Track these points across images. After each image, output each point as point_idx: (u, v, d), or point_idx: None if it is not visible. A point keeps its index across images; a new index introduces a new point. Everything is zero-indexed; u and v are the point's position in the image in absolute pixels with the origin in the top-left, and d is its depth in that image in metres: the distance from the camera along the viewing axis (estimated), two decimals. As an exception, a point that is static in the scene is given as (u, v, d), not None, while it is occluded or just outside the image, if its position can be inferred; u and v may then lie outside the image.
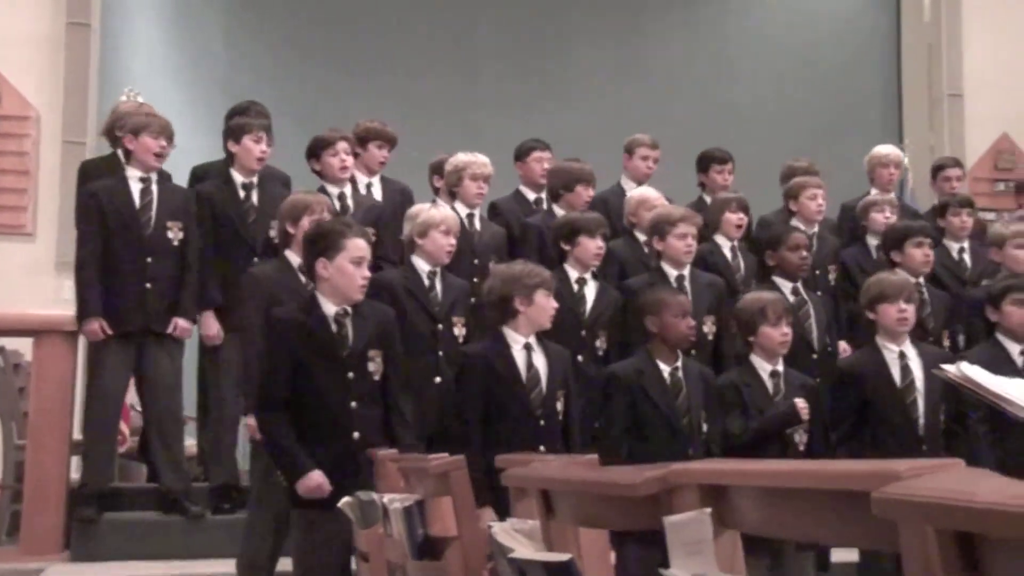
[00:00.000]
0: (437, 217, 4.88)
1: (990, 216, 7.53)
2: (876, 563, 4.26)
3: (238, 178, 5.34)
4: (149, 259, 5.11)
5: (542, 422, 4.11)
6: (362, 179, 5.78)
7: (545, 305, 4.17)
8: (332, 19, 9.17)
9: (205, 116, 7.63)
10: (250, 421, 4.26)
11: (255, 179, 5.37)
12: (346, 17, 9.18)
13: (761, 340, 4.40)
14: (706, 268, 5.38)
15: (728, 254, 5.74)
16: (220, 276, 5.22)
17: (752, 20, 9.88)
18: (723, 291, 5.29)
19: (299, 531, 3.76)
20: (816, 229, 5.90)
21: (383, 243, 5.27)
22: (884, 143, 7.21)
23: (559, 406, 4.17)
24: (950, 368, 2.57)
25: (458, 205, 5.48)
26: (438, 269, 4.87)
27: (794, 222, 5.95)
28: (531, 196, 6.11)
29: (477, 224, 5.57)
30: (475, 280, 5.23)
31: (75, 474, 5.56)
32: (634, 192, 5.88)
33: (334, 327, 3.76)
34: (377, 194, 5.82)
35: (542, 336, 4.24)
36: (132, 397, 5.69)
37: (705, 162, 6.58)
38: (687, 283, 5.15)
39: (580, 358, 4.78)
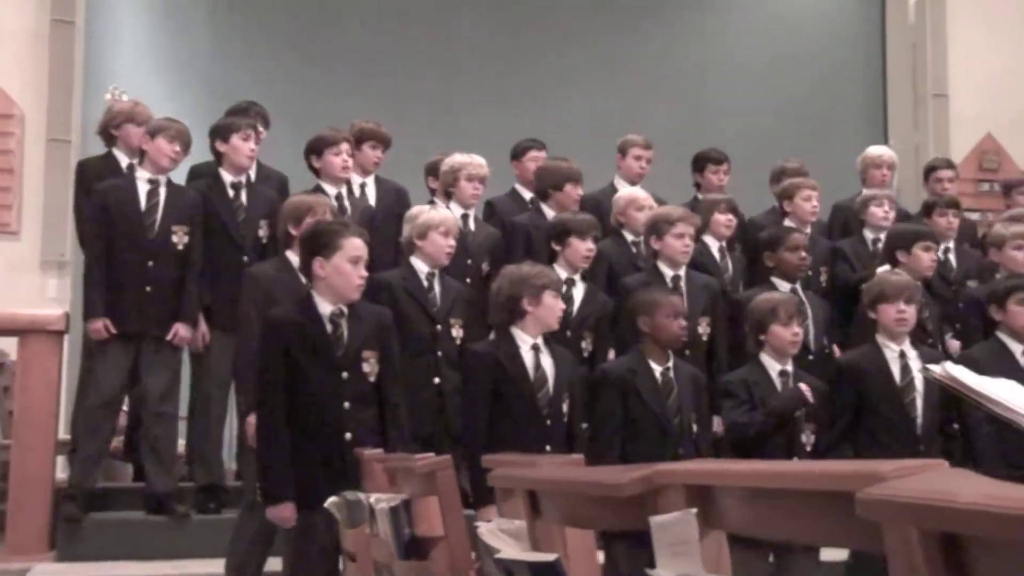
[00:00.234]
0: (436, 218, 4.90)
1: (975, 216, 7.56)
2: (866, 563, 4.27)
3: (228, 177, 5.33)
4: (151, 263, 5.08)
5: (548, 422, 4.14)
6: (356, 179, 5.78)
7: (553, 306, 4.20)
8: (319, 18, 9.16)
9: (190, 114, 7.58)
10: (250, 420, 4.26)
11: (244, 178, 5.36)
12: (333, 16, 9.17)
13: (771, 339, 4.43)
14: (695, 268, 5.40)
15: (716, 255, 5.77)
16: (208, 275, 5.21)
17: (736, 20, 9.90)
18: (718, 292, 5.31)
19: (291, 532, 3.75)
20: (808, 230, 5.92)
21: (375, 245, 5.28)
22: (869, 143, 7.24)
23: (565, 407, 4.19)
24: (936, 368, 2.58)
25: (453, 205, 5.50)
26: (437, 270, 4.89)
27: (787, 223, 5.98)
28: (527, 195, 6.13)
29: (472, 225, 5.59)
30: (467, 280, 5.25)
31: (61, 474, 5.55)
32: (623, 192, 5.90)
33: (329, 327, 3.74)
34: (371, 194, 5.83)
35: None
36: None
37: (701, 162, 6.61)
38: (683, 283, 5.17)
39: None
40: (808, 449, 4.35)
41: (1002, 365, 4.46)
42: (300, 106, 8.08)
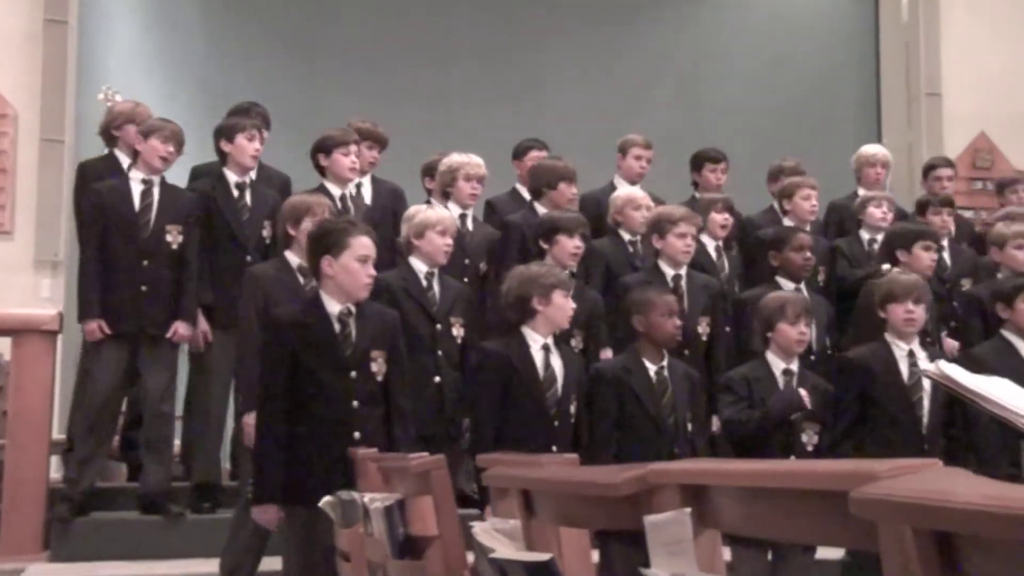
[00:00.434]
0: (433, 218, 4.92)
1: (968, 214, 7.57)
2: (863, 561, 4.27)
3: (232, 177, 5.34)
4: (145, 262, 5.08)
5: (556, 422, 4.15)
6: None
7: (563, 305, 4.21)
8: (313, 15, 9.15)
9: (185, 113, 7.59)
10: (246, 420, 4.26)
11: (249, 179, 5.37)
12: (328, 13, 9.16)
13: (778, 337, 4.43)
14: (691, 268, 5.41)
15: (713, 254, 5.78)
16: (211, 274, 5.21)
17: (730, 18, 9.90)
18: (718, 292, 5.32)
19: (293, 530, 3.74)
20: (808, 229, 5.93)
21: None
22: (862, 142, 7.26)
23: (572, 408, 4.19)
24: (930, 367, 2.59)
25: (451, 205, 5.51)
26: (436, 270, 4.90)
27: (786, 222, 6.00)
28: (528, 195, 6.13)
29: (470, 224, 5.61)
30: (465, 280, 5.26)
31: (55, 474, 5.54)
32: (620, 192, 5.91)
33: (337, 326, 3.73)
34: (367, 194, 5.84)
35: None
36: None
37: (699, 161, 6.62)
38: (683, 283, 5.18)
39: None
40: (810, 449, 4.35)
41: (1008, 363, 4.47)
42: (295, 104, 8.07)
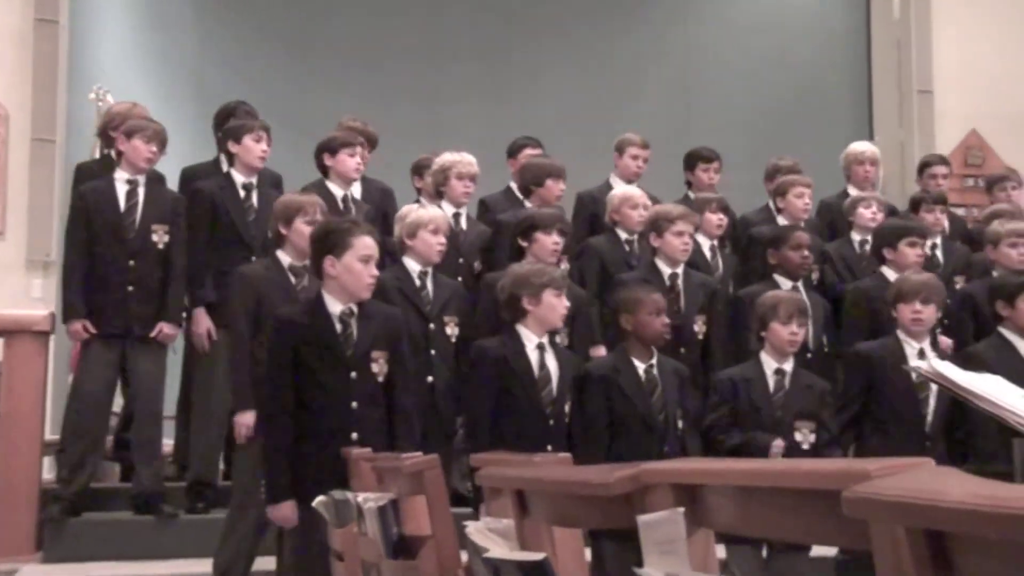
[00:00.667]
0: (425, 217, 4.93)
1: (959, 212, 7.58)
2: (856, 559, 4.28)
3: (239, 178, 5.35)
4: (132, 262, 5.10)
5: (551, 422, 4.15)
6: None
7: (555, 304, 4.21)
8: (304, 13, 9.14)
9: (177, 113, 7.59)
10: (238, 419, 4.24)
11: (255, 179, 5.37)
12: (320, 12, 9.15)
13: (771, 337, 4.44)
14: (687, 266, 5.42)
15: (708, 253, 5.79)
16: (216, 274, 5.21)
17: (722, 16, 9.90)
18: (716, 291, 5.33)
19: (294, 529, 3.74)
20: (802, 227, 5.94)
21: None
22: (854, 139, 7.26)
23: (567, 408, 4.19)
24: (922, 364, 2.59)
25: (444, 204, 5.51)
26: (429, 269, 4.90)
27: (780, 220, 6.01)
28: (521, 193, 6.13)
29: (463, 223, 5.61)
30: (459, 279, 5.26)
31: (48, 475, 5.52)
32: (617, 191, 5.92)
33: (339, 326, 3.73)
34: (356, 194, 5.83)
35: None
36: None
37: (692, 160, 6.64)
38: (680, 281, 5.19)
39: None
40: (805, 447, 4.35)
41: (1007, 362, 4.48)
42: (287, 102, 8.08)
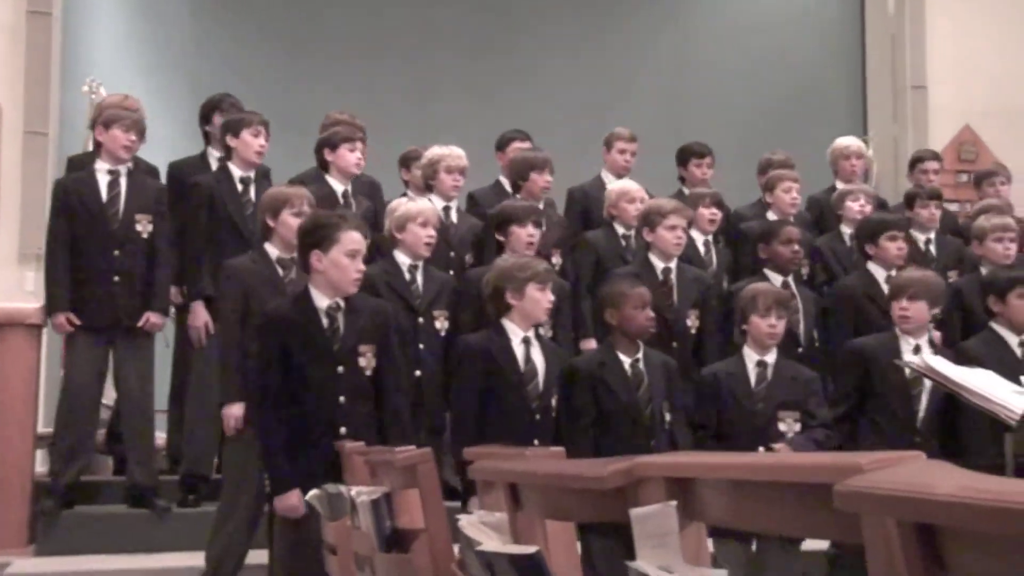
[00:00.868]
0: (414, 210, 4.92)
1: (952, 207, 7.60)
2: (848, 552, 4.29)
3: (236, 172, 5.34)
4: (116, 252, 5.09)
5: (537, 416, 4.15)
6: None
7: (539, 298, 4.19)
8: (298, 7, 9.12)
9: (170, 106, 7.58)
10: (226, 411, 4.24)
11: (253, 173, 5.36)
12: (311, 6, 9.13)
13: (751, 330, 4.44)
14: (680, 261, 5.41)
15: (701, 248, 5.80)
16: (213, 267, 5.20)
17: (715, 11, 9.90)
18: (708, 286, 5.33)
19: (284, 524, 3.74)
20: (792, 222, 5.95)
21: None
22: (848, 135, 7.27)
23: (554, 402, 4.19)
24: (914, 359, 2.60)
25: (434, 198, 5.50)
26: (419, 263, 4.89)
27: (769, 214, 6.02)
28: (510, 187, 6.13)
29: (454, 217, 5.61)
30: (451, 272, 5.26)
31: (40, 468, 5.52)
32: (615, 185, 5.92)
33: (326, 321, 3.73)
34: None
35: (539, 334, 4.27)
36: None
37: (684, 156, 6.64)
38: (673, 276, 5.18)
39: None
40: (789, 436, 4.35)
41: (998, 357, 4.49)
42: (278, 96, 8.05)
